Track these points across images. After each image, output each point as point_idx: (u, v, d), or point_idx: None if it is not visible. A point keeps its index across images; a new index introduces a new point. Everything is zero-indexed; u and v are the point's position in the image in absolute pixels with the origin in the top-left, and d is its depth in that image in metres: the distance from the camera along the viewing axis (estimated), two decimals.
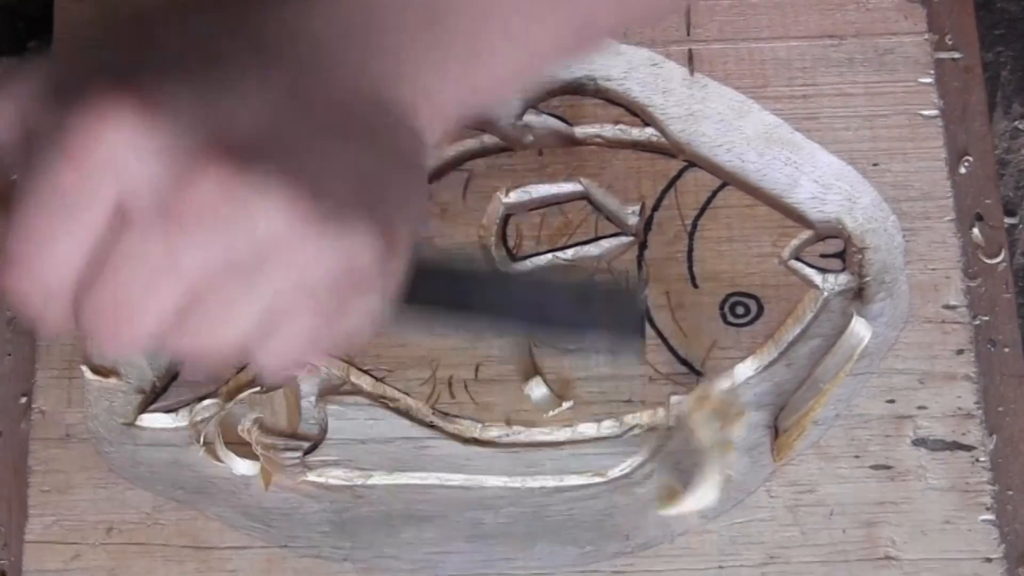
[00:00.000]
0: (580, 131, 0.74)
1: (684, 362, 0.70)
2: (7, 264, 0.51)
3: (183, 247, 0.51)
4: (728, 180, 0.73)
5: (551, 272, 0.67)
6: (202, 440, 0.69)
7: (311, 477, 0.69)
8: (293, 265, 0.52)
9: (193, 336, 0.53)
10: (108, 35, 0.55)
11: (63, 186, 0.50)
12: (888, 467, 0.68)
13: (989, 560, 0.66)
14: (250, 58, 0.53)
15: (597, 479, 0.69)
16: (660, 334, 0.70)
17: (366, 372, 0.70)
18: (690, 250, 0.72)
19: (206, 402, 0.70)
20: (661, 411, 0.69)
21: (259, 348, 0.53)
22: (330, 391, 0.70)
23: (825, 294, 0.72)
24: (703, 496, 0.67)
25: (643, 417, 0.69)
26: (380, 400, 0.70)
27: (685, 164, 0.74)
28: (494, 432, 0.69)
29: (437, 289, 0.60)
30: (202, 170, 0.50)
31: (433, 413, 0.70)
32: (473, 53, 0.58)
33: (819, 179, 0.74)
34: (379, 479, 0.69)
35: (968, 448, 0.68)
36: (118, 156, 0.50)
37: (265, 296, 0.52)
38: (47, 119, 0.52)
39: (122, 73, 0.52)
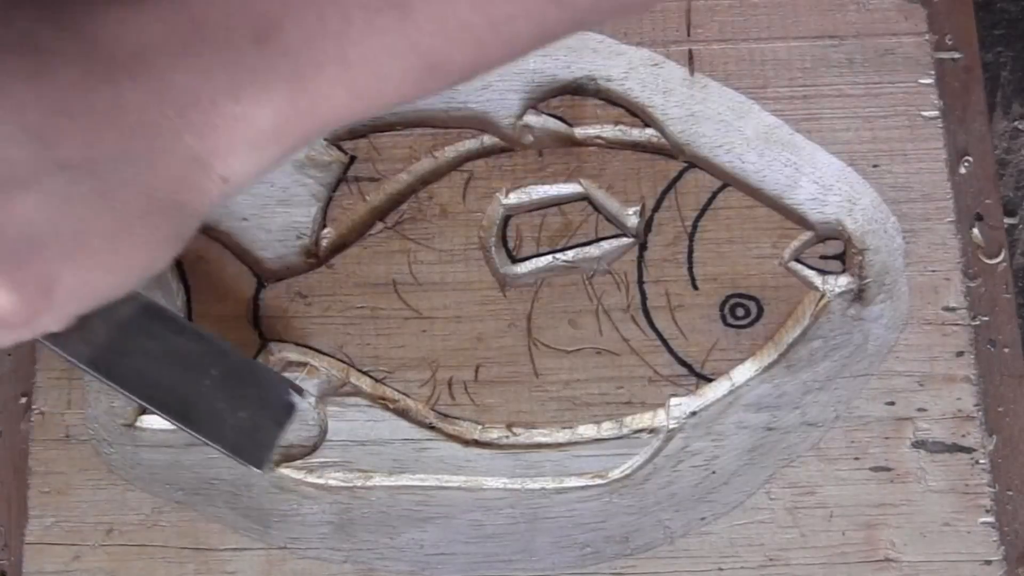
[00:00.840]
0: (580, 132, 0.74)
1: (684, 363, 0.70)
2: None
3: None
4: (728, 181, 0.73)
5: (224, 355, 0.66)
6: None
7: (311, 479, 0.69)
8: None
9: None
10: None
11: None
12: (888, 469, 0.68)
13: (989, 562, 0.66)
14: (23, 68, 0.52)
15: (597, 481, 0.69)
16: (660, 335, 0.70)
17: (366, 373, 0.70)
18: (690, 251, 0.72)
19: None
20: (661, 413, 0.69)
21: None
22: (330, 392, 0.70)
23: (825, 296, 0.72)
24: None
25: (643, 419, 0.69)
26: (380, 401, 0.70)
27: (685, 165, 0.74)
28: (494, 434, 0.70)
29: (90, 333, 0.61)
30: None
31: (433, 415, 0.70)
32: (301, 76, 0.56)
33: (819, 180, 0.74)
34: (379, 480, 0.69)
35: (968, 450, 0.68)
36: None
37: None
38: None
39: None
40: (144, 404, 0.63)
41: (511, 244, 0.72)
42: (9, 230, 0.51)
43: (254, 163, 0.56)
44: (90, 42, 0.53)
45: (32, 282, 0.52)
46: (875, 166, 0.73)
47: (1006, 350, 0.72)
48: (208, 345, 0.65)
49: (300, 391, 0.66)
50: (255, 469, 0.64)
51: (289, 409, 0.66)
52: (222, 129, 0.55)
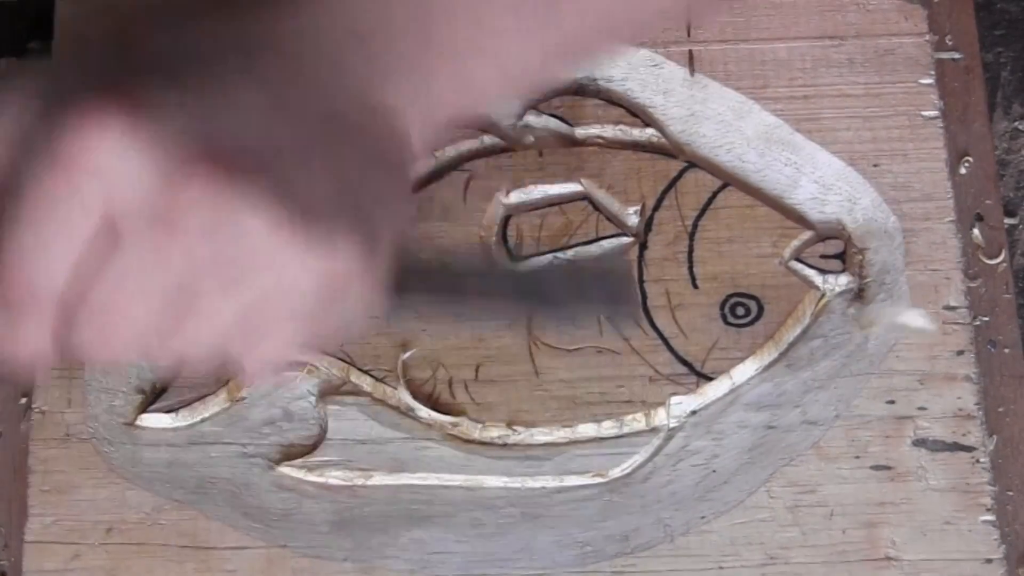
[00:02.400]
0: (580, 132, 0.74)
1: (684, 362, 0.70)
2: None
3: (170, 252, 0.51)
4: (728, 181, 0.74)
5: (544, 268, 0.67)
6: None
7: (311, 477, 0.69)
8: (276, 273, 0.52)
9: (177, 340, 0.53)
10: (98, 38, 0.56)
11: (51, 194, 0.50)
12: (888, 468, 0.68)
13: (989, 561, 0.66)
14: (237, 64, 0.54)
15: (597, 480, 0.69)
16: (660, 334, 0.70)
17: (366, 372, 0.70)
18: (690, 251, 0.72)
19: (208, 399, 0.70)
20: (661, 412, 0.69)
21: (241, 351, 0.54)
22: (330, 391, 0.70)
23: (825, 295, 0.72)
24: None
25: (643, 418, 0.69)
26: (380, 400, 0.70)
27: (685, 165, 0.74)
28: (494, 432, 0.69)
29: (428, 281, 0.61)
30: (189, 178, 0.50)
31: (433, 413, 0.70)
32: (462, 54, 0.59)
33: (819, 180, 0.74)
34: (379, 479, 0.69)
35: (968, 449, 0.68)
36: (105, 163, 0.50)
37: (248, 302, 0.53)
38: (39, 126, 0.52)
39: (110, 79, 0.52)
40: (534, 312, 0.66)
41: (512, 243, 0.72)
42: (319, 190, 0.53)
43: (428, 135, 0.59)
44: (266, 28, 0.55)
45: (361, 227, 0.54)
46: (875, 166, 0.73)
47: (1006, 350, 0.72)
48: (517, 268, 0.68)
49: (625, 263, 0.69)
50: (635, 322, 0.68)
51: (625, 265, 0.69)
52: (410, 119, 0.58)
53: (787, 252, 0.72)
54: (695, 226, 0.72)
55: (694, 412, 0.70)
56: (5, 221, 0.51)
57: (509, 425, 0.69)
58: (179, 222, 0.51)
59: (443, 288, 0.61)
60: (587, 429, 0.69)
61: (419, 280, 0.60)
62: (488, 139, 0.75)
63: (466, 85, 0.60)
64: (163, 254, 0.51)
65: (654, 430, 0.70)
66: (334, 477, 0.69)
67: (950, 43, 0.77)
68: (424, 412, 0.69)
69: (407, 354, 0.70)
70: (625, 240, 0.72)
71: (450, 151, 0.74)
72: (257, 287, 0.52)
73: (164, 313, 0.52)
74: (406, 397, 0.69)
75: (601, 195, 0.73)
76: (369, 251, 0.54)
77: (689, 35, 0.76)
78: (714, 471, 0.68)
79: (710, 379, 0.70)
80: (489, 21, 0.59)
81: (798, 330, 0.71)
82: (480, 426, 0.69)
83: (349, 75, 0.56)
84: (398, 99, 0.57)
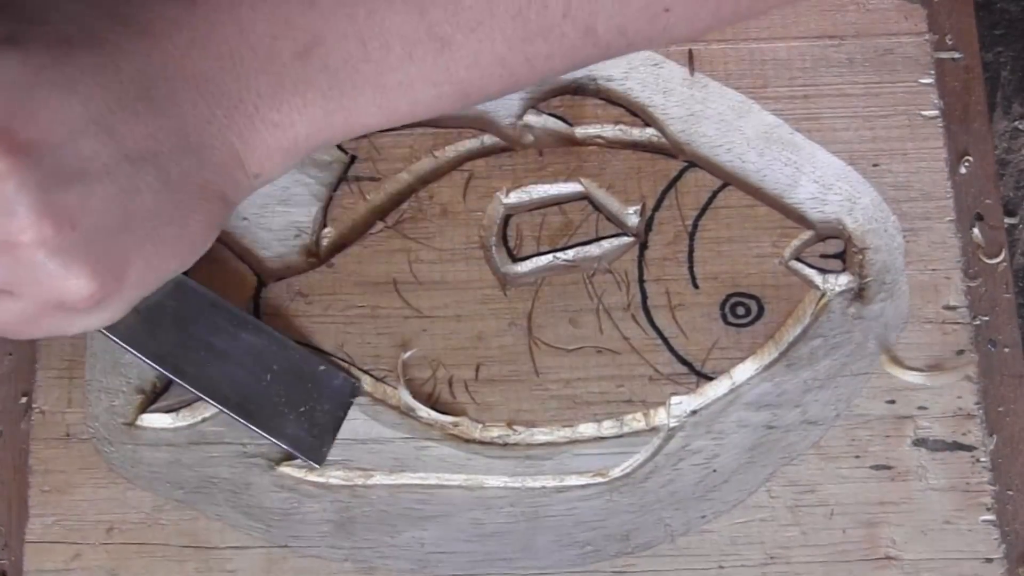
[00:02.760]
0: (580, 131, 0.75)
1: (685, 362, 0.70)
2: None
3: None
4: (728, 180, 0.74)
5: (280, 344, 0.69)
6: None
7: (312, 477, 0.69)
8: (11, 270, 0.54)
9: None
10: None
11: None
12: (888, 467, 0.68)
13: (990, 560, 0.66)
14: (91, 62, 0.54)
15: (598, 479, 0.69)
16: (660, 334, 0.70)
17: (366, 372, 0.70)
18: (691, 250, 0.72)
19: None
20: (662, 411, 0.70)
21: None
22: None
23: (826, 295, 0.72)
24: None
25: (644, 417, 0.69)
26: (380, 400, 0.70)
27: (685, 164, 0.74)
28: (495, 432, 0.69)
29: (155, 328, 0.65)
30: None
31: (434, 413, 0.70)
32: (339, 93, 0.60)
33: (819, 179, 0.74)
34: (379, 479, 0.69)
35: (968, 448, 0.68)
36: None
37: None
38: None
39: None
40: (205, 399, 0.67)
41: (512, 243, 0.72)
42: (85, 219, 0.54)
43: (283, 164, 0.61)
44: (148, 38, 0.56)
45: (107, 267, 0.55)
46: (875, 165, 0.73)
47: (1006, 350, 0.72)
48: (269, 338, 0.68)
49: (358, 382, 0.69)
50: (314, 464, 0.68)
51: (346, 404, 0.69)
52: (263, 133, 0.59)
53: (787, 252, 0.72)
54: (695, 226, 0.73)
55: (694, 412, 0.70)
56: None
57: (509, 425, 0.69)
58: None
59: (164, 342, 0.66)
60: (587, 429, 0.70)
61: (147, 325, 0.64)
62: (488, 139, 0.75)
63: (340, 111, 0.61)
64: None
65: (654, 430, 0.70)
66: (334, 477, 0.69)
67: (950, 43, 0.77)
68: (424, 412, 0.69)
69: (407, 354, 0.70)
70: (625, 240, 0.72)
71: (450, 151, 0.74)
72: None
73: None
74: (406, 397, 0.69)
75: (601, 195, 0.73)
76: (104, 289, 0.56)
77: None
78: (714, 470, 0.68)
79: (710, 379, 0.70)
80: (378, 54, 0.60)
81: (798, 330, 0.71)
82: (480, 426, 0.69)
83: (201, 103, 0.57)
84: (247, 128, 0.59)
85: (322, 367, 0.69)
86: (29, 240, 0.53)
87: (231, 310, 0.68)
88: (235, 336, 0.67)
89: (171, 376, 0.66)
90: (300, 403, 0.68)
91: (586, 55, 0.65)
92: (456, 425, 0.69)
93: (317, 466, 0.68)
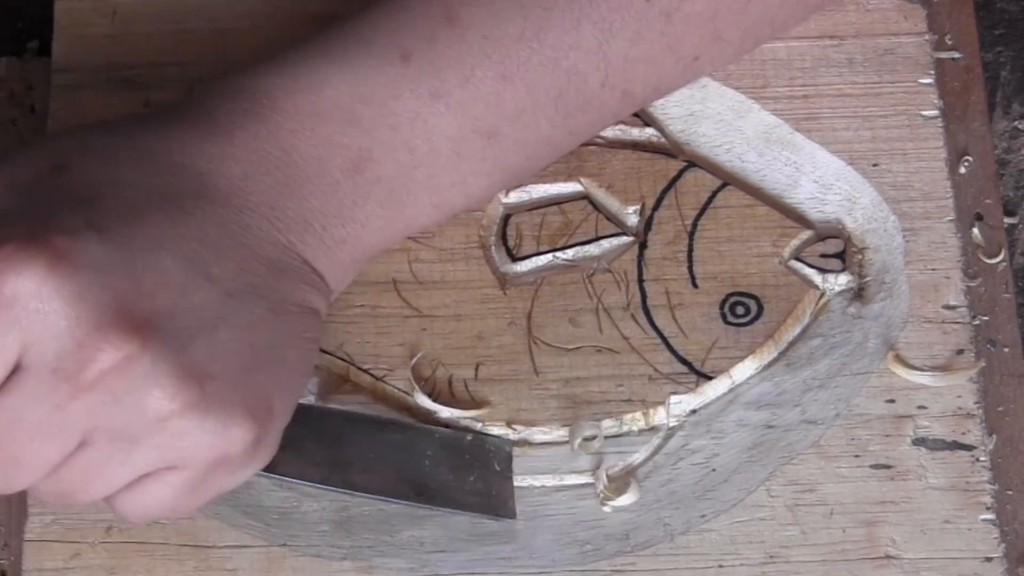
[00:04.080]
0: None
1: (684, 362, 0.70)
2: None
3: (72, 411, 0.52)
4: (728, 180, 0.74)
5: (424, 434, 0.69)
6: None
7: None
8: (168, 445, 0.54)
9: (62, 488, 0.55)
10: (27, 179, 0.55)
11: None
12: (888, 466, 0.68)
13: (989, 559, 0.66)
14: (164, 218, 0.55)
15: None
16: (660, 333, 0.70)
17: (366, 372, 0.70)
18: (690, 250, 0.72)
19: None
20: (661, 411, 0.69)
21: (121, 502, 0.56)
22: (330, 390, 0.70)
23: (825, 294, 0.72)
24: None
25: (643, 417, 0.69)
26: (381, 399, 0.70)
27: (685, 164, 0.74)
28: (494, 431, 0.69)
29: (308, 455, 0.65)
30: (105, 341, 0.51)
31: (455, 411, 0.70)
32: (397, 201, 0.61)
33: (819, 179, 0.74)
34: None
35: (968, 448, 0.68)
36: (24, 310, 0.50)
37: (137, 465, 0.54)
38: None
39: (38, 221, 0.52)
40: (388, 501, 0.67)
41: (511, 243, 0.72)
42: (221, 367, 0.54)
43: (353, 272, 0.62)
44: (202, 179, 0.57)
45: (257, 404, 0.55)
46: (875, 165, 0.73)
47: (1006, 350, 0.72)
48: (405, 429, 0.68)
49: (509, 444, 0.69)
50: (509, 519, 0.67)
51: (508, 458, 0.68)
52: (333, 250, 0.60)
53: (787, 251, 0.72)
54: (695, 225, 0.73)
55: (694, 411, 0.70)
56: None
57: (509, 424, 0.69)
58: (85, 383, 0.51)
59: (322, 464, 0.65)
60: (587, 428, 0.69)
61: (300, 454, 0.64)
62: None
63: (400, 217, 0.62)
64: (63, 408, 0.52)
65: (653, 429, 0.70)
66: None
67: (950, 43, 0.77)
68: (446, 412, 0.69)
69: (415, 359, 0.70)
70: (625, 239, 0.72)
71: None
72: (148, 454, 0.54)
73: (54, 458, 0.53)
74: (425, 401, 0.69)
75: (601, 194, 0.73)
76: (262, 428, 0.56)
77: None
78: (714, 470, 0.68)
79: (710, 378, 0.70)
80: (428, 158, 0.61)
81: (798, 329, 0.71)
82: (480, 425, 0.69)
83: (277, 219, 0.58)
84: (323, 245, 0.59)
85: (468, 437, 0.69)
86: (179, 407, 0.52)
87: (348, 414, 0.68)
88: (374, 436, 0.67)
89: (345, 491, 0.66)
90: (468, 473, 0.67)
91: (623, 114, 0.68)
92: (456, 424, 0.69)
93: (512, 519, 0.68)
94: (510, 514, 0.67)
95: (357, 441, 0.67)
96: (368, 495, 0.67)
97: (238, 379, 0.54)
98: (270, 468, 0.60)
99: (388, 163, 0.60)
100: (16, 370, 0.52)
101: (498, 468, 0.68)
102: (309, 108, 0.59)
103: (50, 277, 0.50)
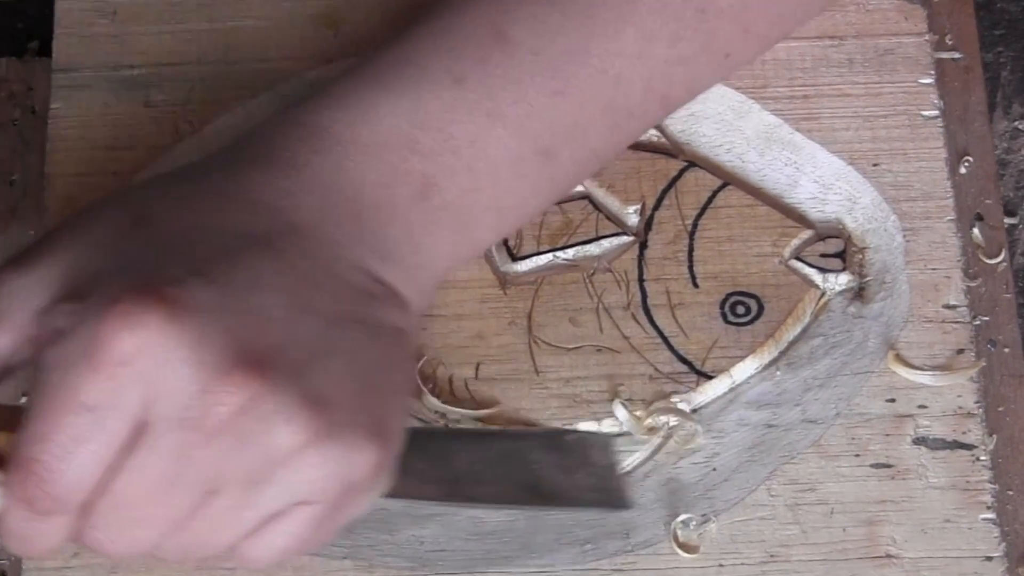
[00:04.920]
0: None
1: (685, 361, 0.70)
2: (24, 473, 0.50)
3: (201, 460, 0.51)
4: (728, 180, 0.74)
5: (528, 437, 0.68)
6: None
7: None
8: (299, 480, 0.53)
9: (188, 542, 0.54)
10: (109, 212, 0.55)
11: (89, 394, 0.49)
12: (888, 466, 0.68)
13: (990, 559, 0.66)
14: (257, 256, 0.54)
15: None
16: (660, 333, 0.70)
17: None
18: (690, 250, 0.72)
19: None
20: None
21: (249, 548, 0.55)
22: None
23: (825, 294, 0.72)
24: None
25: (643, 416, 0.69)
26: None
27: (685, 164, 0.74)
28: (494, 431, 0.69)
29: (424, 474, 0.64)
30: (228, 383, 0.50)
31: (433, 413, 0.70)
32: (463, 225, 0.61)
33: (819, 179, 0.74)
34: None
35: (968, 447, 0.68)
36: (146, 365, 0.49)
37: (268, 505, 0.53)
38: (61, 318, 0.51)
39: (142, 267, 0.52)
40: (508, 508, 0.67)
41: (511, 242, 0.72)
42: (338, 395, 0.53)
43: (428, 298, 0.62)
44: (280, 215, 0.56)
45: (376, 427, 0.55)
46: (875, 165, 0.73)
47: (1006, 350, 0.72)
48: (506, 437, 0.68)
49: (608, 437, 0.68)
50: (625, 511, 0.66)
51: (611, 451, 0.67)
52: (412, 275, 0.59)
53: (787, 251, 0.72)
54: (695, 225, 0.73)
55: (694, 410, 0.70)
56: (32, 417, 0.50)
57: (509, 423, 0.69)
58: (213, 429, 0.50)
59: (436, 481, 0.64)
60: (587, 427, 0.69)
61: (413, 475, 0.62)
62: None
63: (467, 241, 0.62)
64: (192, 458, 0.51)
65: (654, 428, 0.70)
66: None
67: (950, 43, 0.77)
68: (457, 412, 0.69)
69: (421, 362, 0.70)
70: (625, 239, 0.72)
71: None
72: (277, 492, 0.53)
73: (183, 512, 0.52)
74: (434, 402, 0.69)
75: (601, 194, 0.73)
76: (384, 450, 0.55)
77: None
78: (714, 469, 0.68)
79: (710, 377, 0.70)
80: (489, 179, 0.61)
81: (798, 329, 0.71)
82: (480, 425, 0.69)
83: (355, 251, 0.57)
84: (402, 271, 0.59)
85: (567, 436, 0.68)
86: (308, 438, 0.52)
87: (450, 430, 0.68)
88: (478, 448, 0.66)
89: (469, 507, 0.67)
90: (576, 472, 0.67)
91: (659, 120, 0.69)
92: (456, 424, 0.69)
93: (629, 509, 0.67)
94: (628, 505, 0.66)
95: (463, 455, 0.66)
96: (490, 505, 0.67)
97: (355, 404, 0.54)
98: (390, 492, 0.59)
99: (452, 188, 0.60)
100: (141, 429, 0.50)
101: (603, 462, 0.67)
102: (370, 138, 0.59)
103: (169, 327, 0.49)
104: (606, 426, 0.69)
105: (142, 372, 0.49)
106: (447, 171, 0.60)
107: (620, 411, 0.68)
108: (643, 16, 0.63)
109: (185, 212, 0.55)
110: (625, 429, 0.69)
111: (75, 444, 0.50)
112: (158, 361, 0.49)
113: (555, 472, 0.66)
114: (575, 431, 0.69)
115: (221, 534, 0.53)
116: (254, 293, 0.53)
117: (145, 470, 0.51)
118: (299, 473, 0.52)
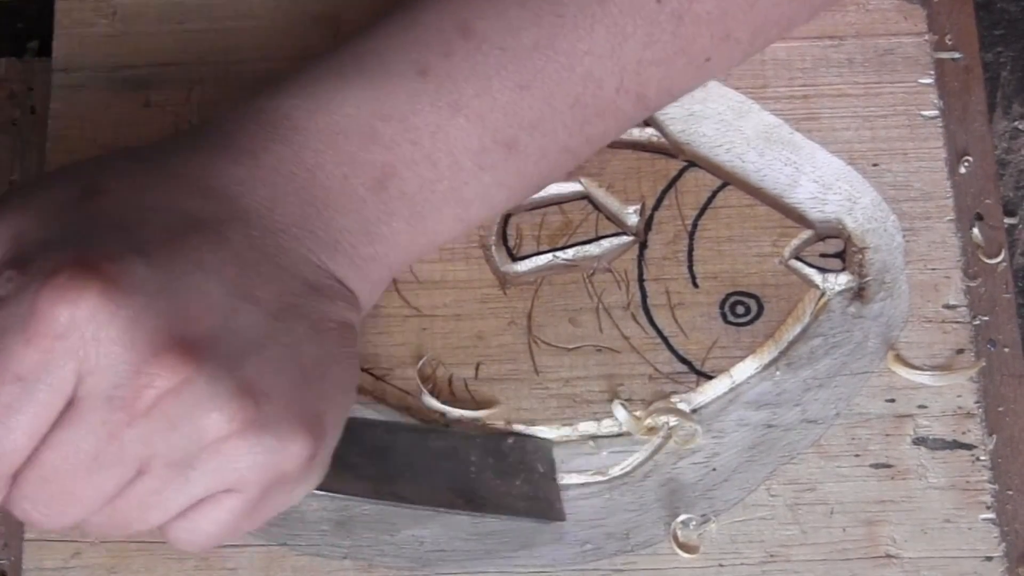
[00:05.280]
0: None
1: (684, 361, 0.70)
2: None
3: (128, 439, 0.52)
4: (728, 180, 0.74)
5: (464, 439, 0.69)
6: None
7: None
8: (225, 467, 0.53)
9: (116, 520, 0.54)
10: (59, 205, 0.55)
11: (21, 364, 0.50)
12: (888, 466, 0.68)
13: (989, 559, 0.66)
14: (203, 241, 0.54)
15: (597, 478, 0.69)
16: (660, 333, 0.70)
17: (366, 371, 0.70)
18: (690, 250, 0.72)
19: None
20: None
21: (177, 530, 0.55)
22: None
23: (825, 294, 0.72)
24: None
25: (643, 416, 0.69)
26: (380, 399, 0.70)
27: (685, 164, 0.74)
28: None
29: (359, 469, 0.65)
30: (160, 365, 0.51)
31: (434, 413, 0.70)
32: (421, 216, 0.61)
33: (819, 179, 0.74)
34: None
35: (968, 447, 0.68)
36: (79, 340, 0.50)
37: (195, 489, 0.54)
38: (2, 285, 0.51)
39: (80, 247, 0.52)
40: (437, 510, 0.67)
41: (511, 242, 0.72)
42: (273, 385, 0.54)
43: (381, 289, 0.63)
44: (234, 203, 0.57)
45: (312, 420, 0.55)
46: (875, 165, 0.73)
47: (1006, 350, 0.72)
48: (447, 435, 0.68)
49: (550, 445, 0.69)
50: (558, 521, 0.67)
51: (551, 460, 0.68)
52: (362, 268, 0.60)
53: (787, 251, 0.72)
54: (695, 225, 0.73)
55: (694, 410, 0.70)
56: None
57: (509, 423, 0.69)
58: (142, 409, 0.51)
59: (371, 477, 0.65)
60: (587, 427, 0.69)
61: (348, 469, 0.64)
62: None
63: (425, 232, 0.62)
64: (120, 437, 0.51)
65: (653, 428, 0.70)
66: None
67: (950, 43, 0.77)
68: (457, 413, 0.69)
69: (421, 362, 0.70)
70: (625, 239, 0.72)
71: None
72: (205, 476, 0.53)
73: (109, 489, 0.53)
74: (433, 403, 0.69)
75: (601, 194, 0.73)
76: (317, 444, 0.55)
77: None
78: (714, 469, 0.68)
79: (710, 377, 0.70)
80: (450, 171, 0.61)
81: (798, 329, 0.71)
82: (480, 424, 0.69)
83: (305, 239, 0.58)
84: (350, 266, 0.59)
85: (509, 440, 0.69)
86: (238, 427, 0.52)
87: (389, 424, 0.68)
88: (417, 445, 0.67)
89: (394, 504, 0.67)
90: (513, 478, 0.67)
91: (638, 119, 0.68)
92: (456, 424, 0.69)
93: (562, 521, 0.67)
94: (559, 516, 0.67)
95: (401, 451, 0.66)
96: (419, 506, 0.67)
97: (291, 396, 0.54)
98: (321, 485, 0.60)
99: (411, 178, 0.60)
100: (71, 402, 0.51)
101: (541, 470, 0.68)
102: (330, 127, 0.59)
103: (105, 304, 0.50)
104: (605, 426, 0.69)
105: (74, 347, 0.50)
106: (407, 161, 0.60)
107: (620, 411, 0.68)
108: (614, 16, 0.63)
109: (135, 190, 0.56)
110: (625, 429, 0.69)
111: (5, 413, 0.50)
112: (91, 337, 0.50)
113: (491, 477, 0.67)
114: (517, 435, 0.69)
115: (147, 514, 0.54)
116: (195, 277, 0.53)
117: (72, 445, 0.51)
118: (226, 461, 0.53)
